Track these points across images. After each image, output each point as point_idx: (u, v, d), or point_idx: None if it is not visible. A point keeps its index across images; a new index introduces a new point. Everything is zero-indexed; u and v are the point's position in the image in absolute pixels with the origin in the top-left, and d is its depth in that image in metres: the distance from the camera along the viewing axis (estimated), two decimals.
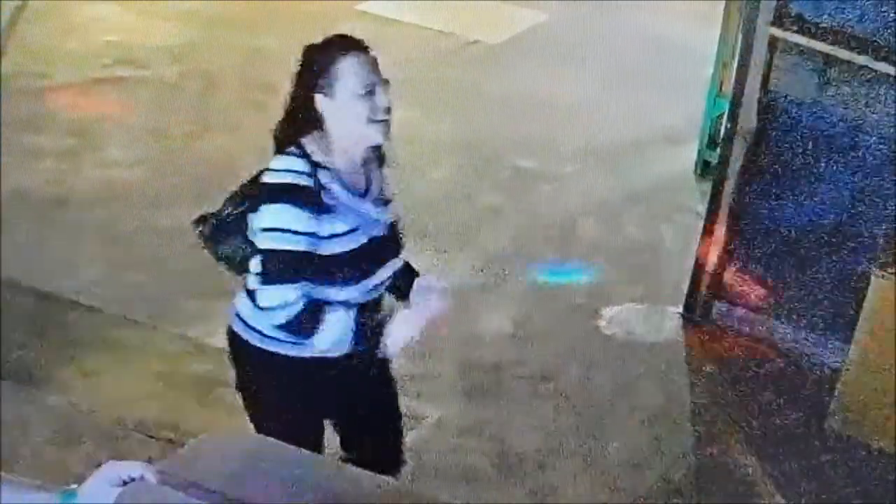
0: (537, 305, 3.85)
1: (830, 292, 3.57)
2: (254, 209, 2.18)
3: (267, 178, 2.17)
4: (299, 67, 2.19)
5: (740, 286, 3.74)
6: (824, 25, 3.36)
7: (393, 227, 2.34)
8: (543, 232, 4.27)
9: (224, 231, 2.30)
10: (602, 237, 4.26)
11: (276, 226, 2.13)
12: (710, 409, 3.45)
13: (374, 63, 2.18)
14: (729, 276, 3.74)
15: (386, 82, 2.20)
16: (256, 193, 2.18)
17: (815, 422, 3.33)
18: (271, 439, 2.24)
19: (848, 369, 3.25)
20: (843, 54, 3.33)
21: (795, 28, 3.39)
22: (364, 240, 2.22)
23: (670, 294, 3.86)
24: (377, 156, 2.31)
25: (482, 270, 3.99)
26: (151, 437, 3.02)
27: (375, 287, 2.29)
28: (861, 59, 3.31)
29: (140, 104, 4.77)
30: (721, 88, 4.54)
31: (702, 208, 3.86)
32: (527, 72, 5.38)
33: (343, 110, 2.16)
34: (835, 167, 3.48)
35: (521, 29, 5.84)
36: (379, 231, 2.27)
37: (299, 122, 2.18)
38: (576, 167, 4.68)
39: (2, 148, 4.29)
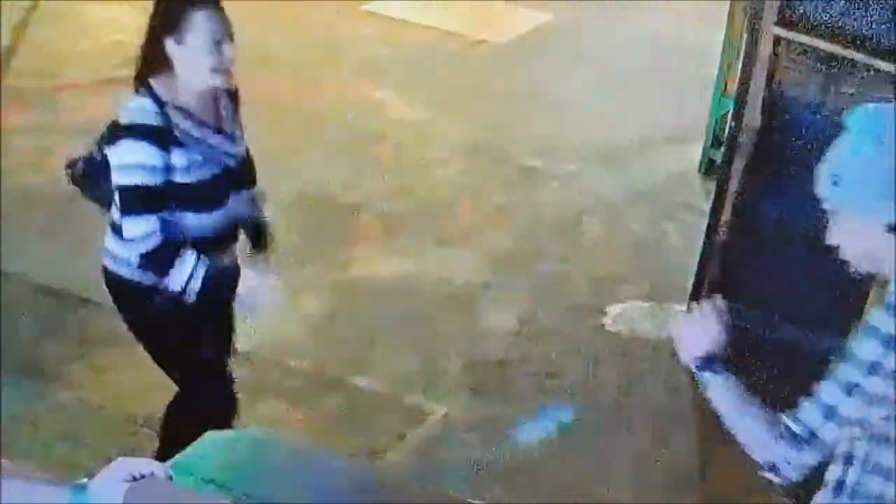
0: (543, 303, 3.87)
1: (835, 290, 3.57)
2: (111, 148, 2.37)
3: (120, 119, 2.38)
4: (153, 12, 2.40)
5: (745, 284, 3.76)
6: (829, 25, 3.37)
7: (245, 159, 2.53)
8: (549, 230, 4.29)
9: (91, 171, 2.52)
10: (607, 235, 4.28)
11: (128, 162, 2.34)
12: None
13: (224, 17, 2.38)
14: (733, 274, 3.75)
15: (231, 35, 2.38)
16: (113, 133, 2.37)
17: None
18: (278, 435, 2.27)
19: None
20: (848, 53, 3.34)
21: (800, 27, 3.40)
22: (216, 170, 2.42)
23: (675, 292, 3.88)
24: (228, 94, 2.49)
25: (489, 268, 4.01)
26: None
27: (228, 221, 2.47)
28: (865, 58, 3.32)
29: None
30: (726, 87, 4.55)
31: (706, 206, 3.88)
32: (533, 71, 5.40)
33: (191, 58, 2.35)
34: None
35: (527, 29, 5.86)
36: (231, 163, 2.46)
37: (150, 65, 2.39)
38: (581, 166, 4.69)
39: (12, 147, 4.34)
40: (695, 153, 4.72)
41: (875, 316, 1.84)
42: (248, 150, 2.54)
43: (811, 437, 1.84)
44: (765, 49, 3.46)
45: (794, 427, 1.87)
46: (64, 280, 3.64)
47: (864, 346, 1.81)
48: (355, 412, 3.27)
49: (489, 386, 3.45)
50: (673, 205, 4.48)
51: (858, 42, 3.33)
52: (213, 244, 2.44)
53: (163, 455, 2.53)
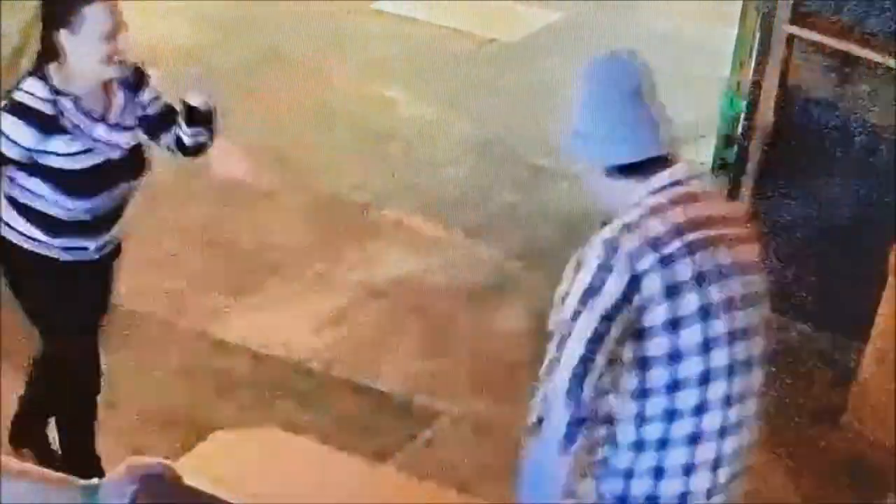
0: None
1: (847, 290, 3.56)
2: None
3: (13, 94, 2.47)
4: (45, 2, 2.49)
5: None
6: (842, 23, 3.36)
7: (134, 151, 2.59)
8: (560, 229, 4.28)
9: None
10: None
11: (5, 132, 2.44)
12: None
13: (117, 9, 2.46)
14: None
15: (124, 26, 2.49)
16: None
17: (830, 419, 3.33)
18: (288, 435, 2.27)
19: (862, 365, 3.24)
20: (861, 52, 3.32)
21: (813, 26, 3.38)
22: (98, 160, 2.50)
23: None
24: (126, 85, 2.58)
25: (499, 267, 4.00)
26: (171, 432, 3.05)
27: (112, 206, 2.59)
28: (878, 57, 3.30)
29: None
30: (738, 87, 4.52)
31: None
32: (543, 70, 5.38)
33: (84, 49, 2.43)
34: (851, 164, 3.48)
35: (536, 28, 5.84)
36: (115, 154, 2.53)
37: (45, 51, 2.48)
38: None
39: None
40: (706, 153, 4.70)
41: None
42: (139, 144, 2.61)
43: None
44: (778, 48, 3.45)
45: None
46: None
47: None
48: (365, 412, 3.27)
49: (500, 386, 3.44)
50: None
51: (872, 40, 3.31)
52: (91, 226, 2.56)
53: (26, 412, 2.78)
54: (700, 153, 4.73)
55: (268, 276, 3.74)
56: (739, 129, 3.89)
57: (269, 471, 2.11)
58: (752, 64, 3.73)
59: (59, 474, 1.64)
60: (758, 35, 3.69)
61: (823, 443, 3.28)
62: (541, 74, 5.33)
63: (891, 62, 3.29)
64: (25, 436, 2.88)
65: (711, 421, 1.88)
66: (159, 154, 4.52)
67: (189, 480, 1.71)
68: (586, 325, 1.86)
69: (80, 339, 2.71)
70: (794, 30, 3.41)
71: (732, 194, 3.68)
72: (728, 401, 1.89)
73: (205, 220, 4.05)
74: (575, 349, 1.87)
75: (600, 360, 1.85)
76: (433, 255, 4.04)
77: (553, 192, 4.51)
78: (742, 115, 3.83)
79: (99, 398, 2.84)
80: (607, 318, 1.85)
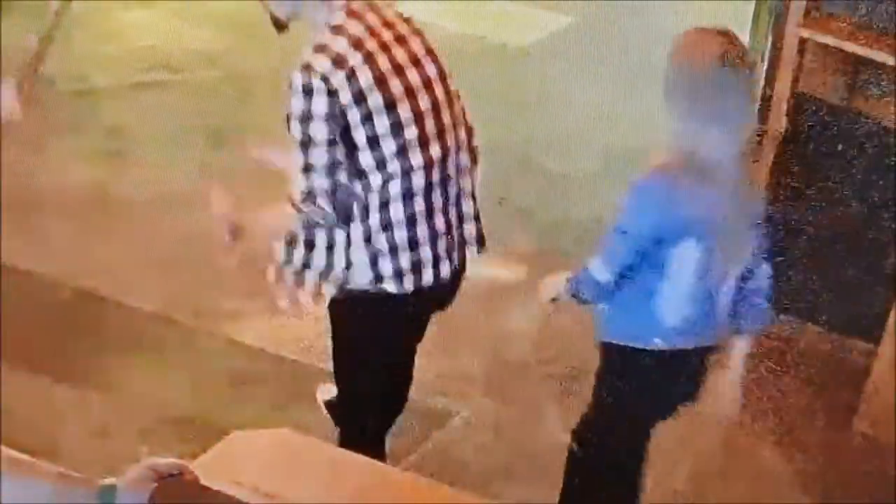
0: (566, 304, 3.87)
1: (858, 293, 3.56)
2: None
3: None
4: None
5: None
6: (854, 26, 3.36)
7: None
8: (572, 232, 4.29)
9: None
10: None
11: None
12: (736, 409, 3.45)
13: None
14: None
15: None
16: None
17: (842, 423, 3.33)
18: (303, 436, 2.29)
19: (874, 368, 3.25)
20: (873, 54, 3.32)
21: (825, 29, 3.39)
22: None
23: None
24: None
25: (511, 269, 4.02)
26: (188, 432, 3.08)
27: None
28: (890, 60, 3.30)
29: (177, 107, 4.86)
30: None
31: None
32: (555, 74, 5.40)
33: None
34: (863, 167, 3.48)
35: (548, 32, 5.86)
36: None
37: None
38: (604, 168, 4.69)
39: (42, 150, 4.40)
40: None
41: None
42: None
43: None
44: (789, 50, 3.45)
45: None
46: (93, 282, 3.69)
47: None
48: None
49: (512, 388, 3.46)
50: None
51: (884, 43, 3.31)
52: None
53: None
54: None
55: None
56: None
57: (285, 471, 2.13)
58: (764, 66, 3.73)
59: (75, 473, 1.64)
60: (769, 38, 3.69)
61: (835, 445, 3.29)
62: (551, 79, 5.35)
63: None
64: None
65: (420, 204, 2.38)
66: (182, 156, 4.57)
67: (205, 481, 1.73)
68: (319, 155, 2.27)
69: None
70: (806, 32, 3.41)
71: None
72: (430, 186, 2.40)
73: (223, 224, 4.08)
74: (318, 179, 2.30)
75: (342, 177, 2.31)
76: None
77: (565, 196, 4.53)
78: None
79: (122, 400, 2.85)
80: (332, 143, 2.27)
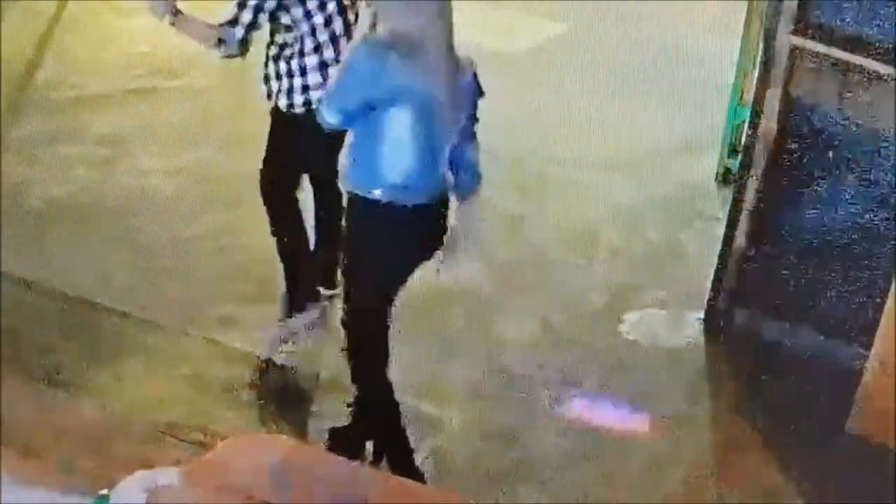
0: (560, 311, 3.89)
1: (850, 297, 3.58)
2: None
3: None
4: None
5: (761, 292, 3.76)
6: (844, 33, 3.38)
7: None
8: (567, 238, 4.31)
9: None
10: (624, 243, 4.30)
11: None
12: (730, 414, 3.47)
13: None
14: (750, 281, 3.76)
15: None
16: None
17: (835, 425, 3.35)
18: (297, 441, 2.30)
19: (866, 371, 3.26)
20: (863, 61, 3.35)
21: (816, 36, 3.41)
22: None
23: (692, 300, 3.89)
24: None
25: (505, 276, 4.03)
26: (182, 439, 3.09)
27: None
28: (880, 66, 3.32)
29: (172, 114, 4.87)
30: (742, 96, 4.56)
31: (723, 214, 3.89)
32: (548, 81, 5.42)
33: None
34: (855, 173, 3.50)
35: (541, 40, 5.89)
36: None
37: None
38: (598, 175, 4.71)
39: (36, 158, 4.41)
40: (711, 162, 4.73)
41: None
42: None
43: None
44: (781, 58, 3.47)
45: None
46: (86, 289, 3.70)
47: None
48: None
49: (505, 393, 3.47)
50: (689, 213, 4.50)
51: (874, 50, 3.34)
52: None
53: None
54: (705, 162, 4.77)
55: (271, 284, 3.78)
56: (743, 139, 3.92)
57: (279, 477, 2.14)
58: (756, 74, 3.76)
59: (71, 481, 1.66)
60: (761, 45, 3.72)
61: (828, 448, 3.30)
62: (545, 86, 5.37)
63: (892, 71, 3.31)
64: None
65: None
66: (177, 163, 4.57)
67: (199, 486, 1.74)
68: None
69: None
70: (797, 40, 3.44)
71: (737, 203, 3.71)
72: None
73: (216, 229, 4.10)
74: (245, 13, 3.22)
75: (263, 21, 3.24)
76: (438, 263, 4.07)
77: (558, 201, 4.55)
78: (746, 125, 3.86)
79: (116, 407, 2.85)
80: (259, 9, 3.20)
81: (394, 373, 3.45)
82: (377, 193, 2.74)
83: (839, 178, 3.53)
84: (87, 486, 1.67)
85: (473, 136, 2.91)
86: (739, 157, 3.91)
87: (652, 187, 4.64)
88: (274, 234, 3.54)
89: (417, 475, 2.94)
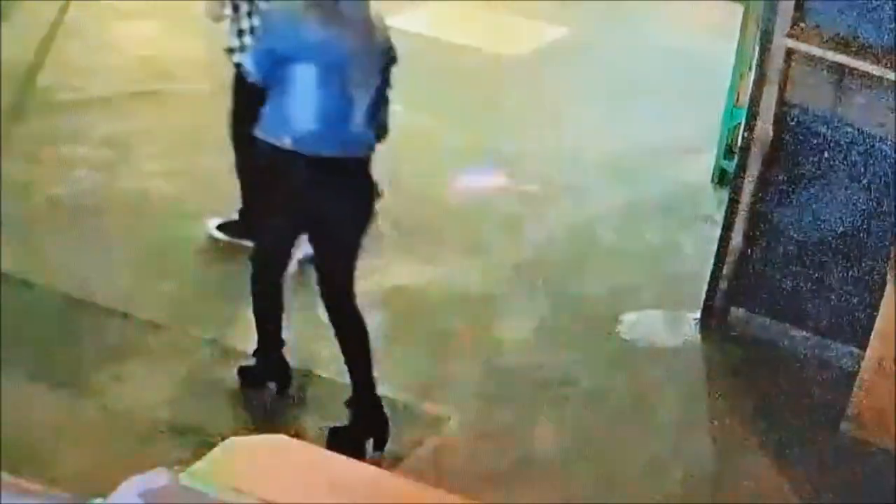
0: (557, 311, 3.91)
1: (845, 297, 3.60)
2: None
3: None
4: None
5: (756, 292, 3.79)
6: (840, 36, 3.40)
7: None
8: (563, 239, 4.33)
9: None
10: (621, 245, 4.32)
11: None
12: (726, 414, 3.49)
13: None
14: (745, 282, 3.78)
15: None
16: None
17: (829, 426, 3.37)
18: (298, 441, 2.32)
19: (862, 371, 3.28)
20: (859, 64, 3.37)
21: (811, 39, 3.43)
22: None
23: (688, 300, 3.91)
24: None
25: (504, 277, 4.05)
26: (182, 439, 3.11)
27: None
28: (875, 69, 3.35)
29: (173, 117, 4.89)
30: (738, 99, 4.58)
31: (719, 216, 3.92)
32: (548, 85, 5.45)
33: None
34: (850, 175, 3.52)
35: (542, 43, 5.92)
36: None
37: None
38: (595, 176, 4.74)
39: (39, 160, 4.43)
40: (707, 164, 4.75)
41: None
42: None
43: None
44: (776, 60, 3.50)
45: None
46: (87, 290, 3.71)
47: None
48: None
49: (504, 393, 3.49)
50: (686, 215, 4.52)
51: (869, 53, 3.36)
52: None
53: None
54: (702, 164, 4.80)
55: None
56: (739, 141, 3.94)
57: (279, 477, 2.15)
58: (752, 76, 3.78)
59: (63, 493, 1.65)
60: (757, 48, 3.74)
61: (824, 448, 3.32)
62: (546, 89, 5.39)
63: (888, 74, 3.33)
64: None
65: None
66: (177, 165, 4.59)
67: (200, 487, 1.74)
68: None
69: None
70: (792, 43, 3.46)
71: (733, 204, 3.73)
72: None
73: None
74: None
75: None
76: (437, 264, 4.10)
77: (556, 204, 4.57)
78: (742, 127, 3.88)
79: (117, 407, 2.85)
80: None
81: (395, 372, 3.48)
82: (287, 142, 2.90)
83: (835, 180, 3.55)
84: (86, 487, 1.67)
85: (386, 99, 3.07)
86: (735, 158, 3.93)
87: (649, 188, 4.66)
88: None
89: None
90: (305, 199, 2.98)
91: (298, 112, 2.90)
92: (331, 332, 3.14)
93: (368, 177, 3.03)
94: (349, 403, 3.12)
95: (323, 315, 3.14)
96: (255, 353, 3.32)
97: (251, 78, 2.98)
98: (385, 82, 3.04)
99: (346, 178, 2.98)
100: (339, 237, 3.07)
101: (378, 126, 3.06)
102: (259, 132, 2.98)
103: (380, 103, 3.04)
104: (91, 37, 5.46)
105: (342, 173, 2.97)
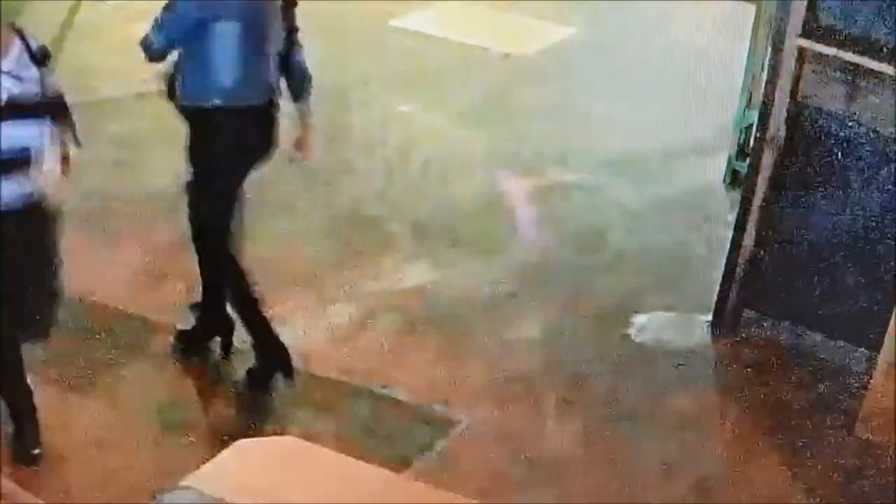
0: (568, 313, 3.90)
1: (858, 300, 3.58)
2: None
3: None
4: None
5: (769, 294, 3.77)
6: (852, 36, 3.39)
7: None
8: (575, 240, 4.32)
9: None
10: (633, 246, 4.31)
11: None
12: (738, 416, 3.47)
13: None
14: (757, 284, 3.76)
15: None
16: None
17: (843, 428, 3.35)
18: (308, 443, 2.32)
19: (875, 373, 3.26)
20: (871, 64, 3.35)
21: (823, 39, 3.41)
22: None
23: (700, 302, 3.90)
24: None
25: (514, 278, 4.04)
26: (192, 441, 3.10)
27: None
28: (887, 69, 3.33)
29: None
30: (750, 99, 4.56)
31: (731, 217, 3.90)
32: (558, 84, 5.44)
33: None
34: (862, 176, 3.50)
35: (551, 42, 5.91)
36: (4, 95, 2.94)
37: None
38: (606, 177, 4.72)
39: None
40: (719, 164, 4.73)
41: None
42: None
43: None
44: (789, 60, 3.48)
45: None
46: (97, 291, 3.72)
47: None
48: (383, 422, 3.32)
49: (515, 395, 3.48)
50: (697, 216, 4.50)
51: (881, 53, 3.34)
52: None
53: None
54: (714, 165, 4.78)
55: (286, 287, 3.80)
56: (752, 142, 3.92)
57: (289, 479, 2.15)
58: (764, 77, 3.76)
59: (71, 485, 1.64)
60: (769, 48, 3.72)
61: (835, 451, 3.30)
62: (556, 88, 5.39)
63: None
64: None
65: None
66: (176, 168, 4.57)
67: (211, 489, 1.74)
68: None
69: None
70: (805, 43, 3.44)
71: (745, 205, 3.71)
72: None
73: None
74: None
75: None
76: (449, 265, 4.10)
77: (567, 204, 4.56)
78: (754, 127, 3.86)
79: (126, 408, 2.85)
80: None
81: (406, 375, 3.47)
82: (216, 101, 3.08)
83: (847, 181, 3.53)
84: (88, 489, 1.65)
85: (298, 43, 3.25)
86: (748, 159, 3.92)
87: (660, 189, 4.65)
88: None
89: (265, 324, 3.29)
90: (242, 148, 3.15)
91: (222, 69, 3.06)
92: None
93: (276, 112, 3.23)
94: (193, 307, 3.40)
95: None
96: (193, 307, 3.44)
97: (155, 53, 3.13)
98: (292, 28, 3.20)
99: (268, 121, 3.19)
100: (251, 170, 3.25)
101: (298, 71, 3.23)
102: (184, 100, 3.15)
103: (295, 48, 3.22)
104: (102, 39, 5.48)
105: (263, 120, 3.18)
